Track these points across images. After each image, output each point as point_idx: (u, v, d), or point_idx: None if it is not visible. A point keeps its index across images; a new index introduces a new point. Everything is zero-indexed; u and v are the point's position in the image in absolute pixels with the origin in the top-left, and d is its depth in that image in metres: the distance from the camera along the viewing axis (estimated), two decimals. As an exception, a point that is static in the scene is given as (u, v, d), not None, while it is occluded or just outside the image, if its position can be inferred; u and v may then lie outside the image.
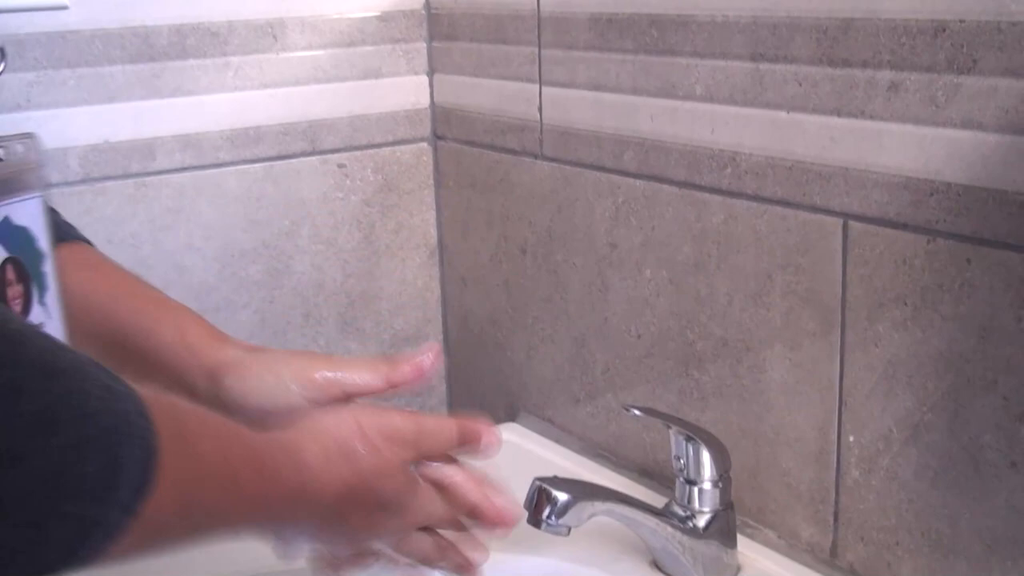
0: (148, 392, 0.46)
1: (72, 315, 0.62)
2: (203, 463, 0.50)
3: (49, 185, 0.61)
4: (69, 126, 1.01)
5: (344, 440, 0.62)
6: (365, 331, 1.18)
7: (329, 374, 0.70)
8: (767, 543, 0.87)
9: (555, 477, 0.76)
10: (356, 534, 0.66)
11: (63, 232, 0.73)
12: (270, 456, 0.57)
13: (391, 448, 0.64)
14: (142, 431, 0.44)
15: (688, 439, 0.81)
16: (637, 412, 0.81)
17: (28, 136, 0.63)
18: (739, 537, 0.85)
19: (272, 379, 0.69)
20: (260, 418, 0.65)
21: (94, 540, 0.42)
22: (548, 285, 1.06)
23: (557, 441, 1.08)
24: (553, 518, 0.74)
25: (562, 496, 0.74)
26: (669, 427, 0.82)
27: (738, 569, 0.84)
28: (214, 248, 1.08)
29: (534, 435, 1.10)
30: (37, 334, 0.43)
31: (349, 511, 0.63)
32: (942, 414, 0.73)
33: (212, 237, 1.08)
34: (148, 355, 0.71)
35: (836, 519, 0.82)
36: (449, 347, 1.23)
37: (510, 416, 1.15)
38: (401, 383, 0.71)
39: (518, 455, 1.07)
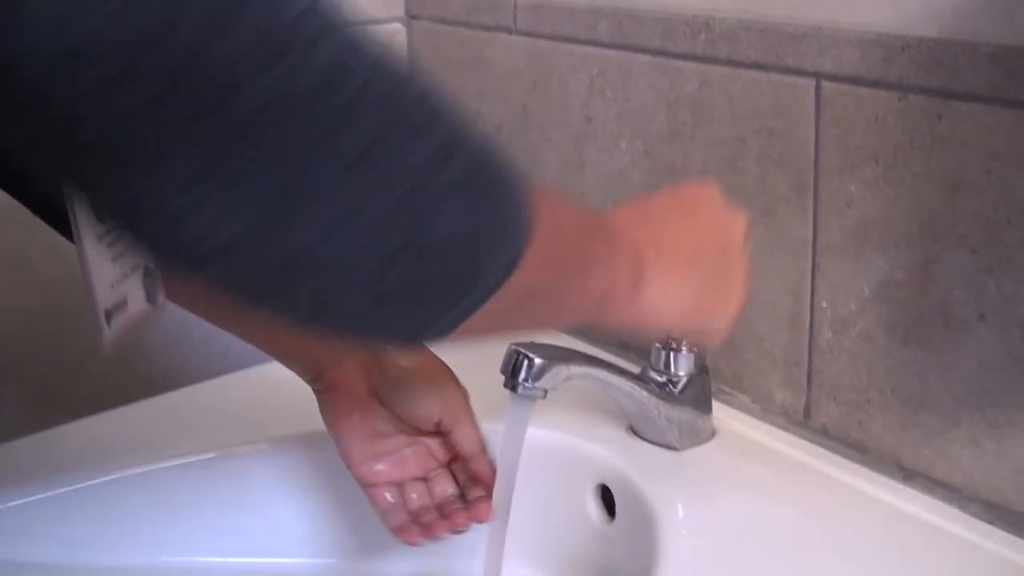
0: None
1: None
2: (564, 243, 0.52)
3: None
4: None
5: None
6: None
7: (446, 429, 0.77)
8: (742, 408, 0.89)
9: (531, 342, 0.77)
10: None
11: None
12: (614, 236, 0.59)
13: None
14: (528, 206, 0.46)
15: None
16: None
17: None
18: (715, 403, 0.86)
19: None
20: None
21: (510, 254, 0.45)
22: (524, 163, 1.06)
23: (536, 319, 1.09)
24: (529, 381, 0.74)
25: (538, 359, 0.75)
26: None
27: (713, 433, 0.86)
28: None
29: (513, 314, 1.11)
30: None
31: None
32: (913, 272, 0.74)
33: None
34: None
35: (809, 381, 0.83)
36: (427, 230, 1.23)
37: (489, 296, 1.15)
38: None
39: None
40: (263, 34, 0.36)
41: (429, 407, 0.77)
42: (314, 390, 0.77)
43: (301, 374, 0.77)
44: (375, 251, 0.41)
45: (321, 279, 0.41)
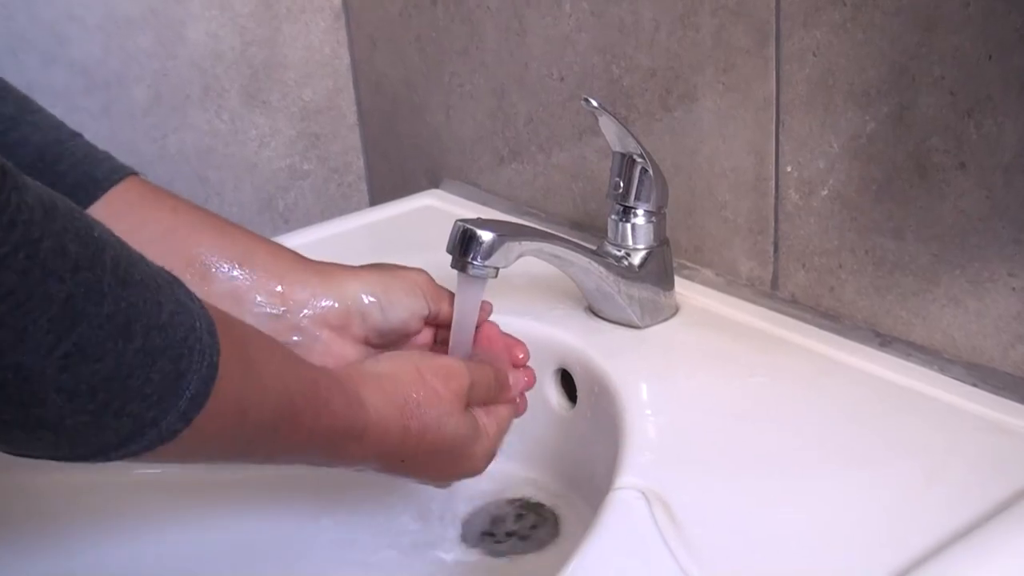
0: (218, 312, 0.49)
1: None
2: (263, 386, 0.52)
3: None
4: None
5: (404, 384, 0.61)
6: (272, 103, 1.11)
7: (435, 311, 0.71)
8: (706, 282, 0.84)
9: (479, 218, 0.71)
10: (421, 479, 0.66)
11: (107, 167, 0.67)
12: (326, 389, 0.57)
13: (449, 390, 0.63)
14: (207, 347, 0.47)
15: (631, 162, 0.75)
16: (595, 103, 0.74)
17: None
18: (677, 279, 0.81)
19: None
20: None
21: (148, 440, 0.45)
22: (463, 36, 0.99)
23: (484, 204, 1.03)
24: (479, 259, 0.69)
25: (487, 235, 0.69)
26: (618, 144, 0.75)
27: (676, 309, 0.81)
28: (97, 16, 0.99)
29: (459, 199, 1.05)
30: (118, 243, 0.44)
31: (411, 455, 0.62)
32: (885, 121, 0.69)
33: (93, 4, 0.99)
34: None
35: (776, 249, 0.78)
36: (363, 117, 1.16)
37: (433, 183, 1.09)
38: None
39: (444, 222, 1.01)
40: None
41: (417, 304, 0.70)
42: None
43: None
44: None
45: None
